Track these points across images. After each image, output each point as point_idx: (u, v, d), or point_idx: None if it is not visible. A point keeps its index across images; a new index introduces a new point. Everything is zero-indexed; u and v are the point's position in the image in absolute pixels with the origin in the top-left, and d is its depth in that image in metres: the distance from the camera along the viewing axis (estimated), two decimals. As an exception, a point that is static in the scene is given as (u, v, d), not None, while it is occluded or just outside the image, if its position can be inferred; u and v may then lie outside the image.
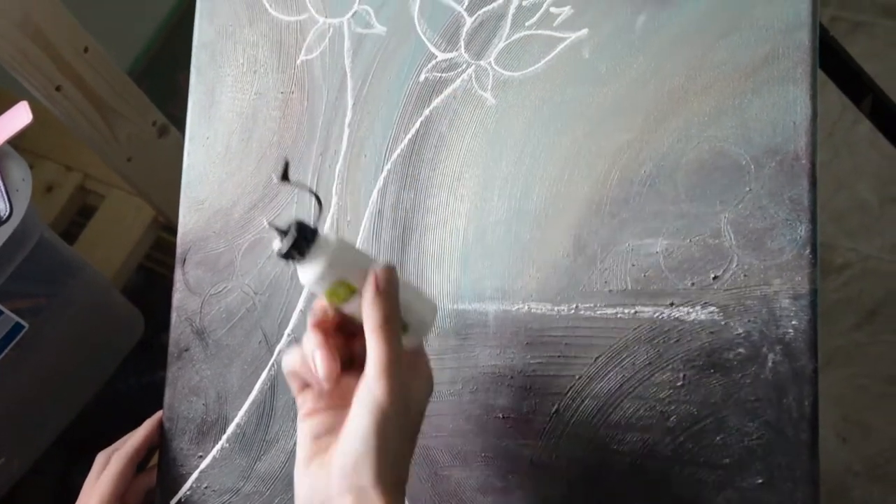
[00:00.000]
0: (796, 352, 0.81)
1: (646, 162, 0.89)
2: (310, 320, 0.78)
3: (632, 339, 0.88)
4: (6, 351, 1.32)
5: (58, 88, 1.40)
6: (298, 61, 1.08)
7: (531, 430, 0.91)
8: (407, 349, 0.78)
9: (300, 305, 1.04)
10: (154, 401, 1.12)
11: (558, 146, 0.93)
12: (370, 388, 0.73)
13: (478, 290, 0.95)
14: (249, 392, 1.05)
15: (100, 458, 1.08)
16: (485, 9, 0.99)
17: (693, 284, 0.86)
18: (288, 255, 0.76)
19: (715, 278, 0.85)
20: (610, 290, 0.89)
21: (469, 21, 0.99)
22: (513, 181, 0.95)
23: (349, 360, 0.79)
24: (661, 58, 0.90)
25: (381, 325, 0.74)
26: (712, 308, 0.85)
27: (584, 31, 0.94)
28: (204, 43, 1.14)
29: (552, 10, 0.96)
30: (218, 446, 1.06)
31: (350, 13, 1.06)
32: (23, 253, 1.27)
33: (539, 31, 0.96)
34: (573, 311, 0.91)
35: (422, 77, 1.01)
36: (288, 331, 1.04)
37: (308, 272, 0.76)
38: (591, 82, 0.93)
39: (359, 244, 1.01)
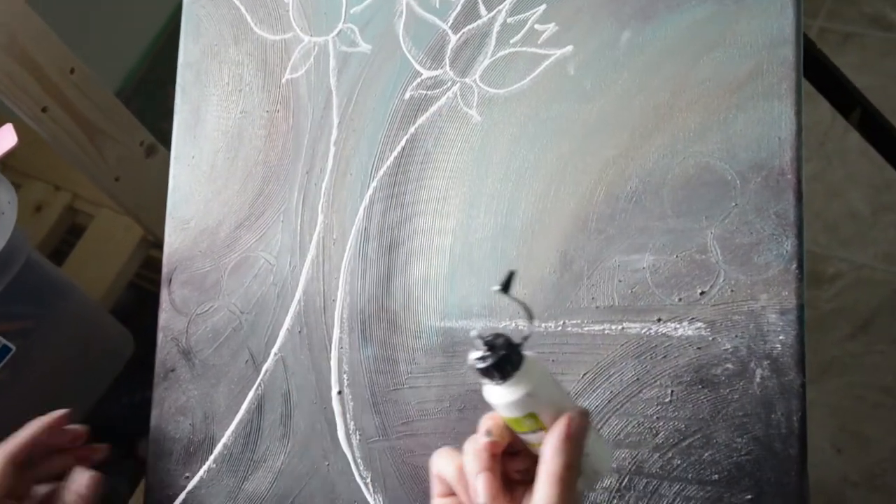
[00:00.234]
0: (784, 367, 0.81)
1: (632, 178, 0.89)
2: (483, 439, 0.72)
3: (619, 356, 0.87)
4: (-6, 374, 1.32)
5: (44, 110, 1.40)
6: (283, 80, 1.08)
7: (519, 449, 0.91)
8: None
9: (287, 324, 1.03)
10: (147, 419, 1.11)
11: (544, 163, 0.93)
12: None
13: (465, 308, 0.95)
14: (236, 412, 1.05)
15: None
16: (469, 26, 0.99)
17: (680, 300, 0.86)
18: (486, 373, 0.70)
19: (702, 294, 0.85)
20: (597, 307, 0.89)
21: (454, 39, 0.99)
22: (499, 198, 0.95)
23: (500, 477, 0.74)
24: (645, 74, 0.90)
25: (560, 473, 0.69)
26: (700, 324, 0.84)
27: (569, 47, 0.94)
28: (189, 62, 1.13)
29: (537, 27, 0.96)
30: (205, 467, 1.05)
31: (335, 32, 1.06)
32: (9, 275, 1.27)
33: (524, 49, 0.96)
34: (560, 327, 0.90)
35: (407, 95, 1.01)
36: (275, 350, 1.04)
37: (500, 394, 0.70)
38: (577, 99, 0.93)
39: (345, 263, 1.01)
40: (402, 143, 1.01)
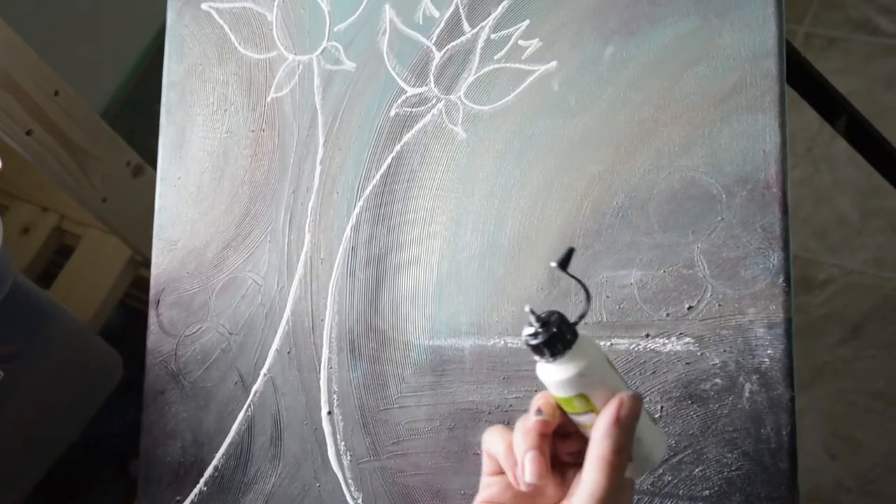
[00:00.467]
0: (773, 381, 0.81)
1: (618, 193, 0.89)
2: (535, 417, 0.71)
3: (609, 372, 0.87)
4: (-19, 399, 1.31)
5: (28, 132, 1.40)
6: (268, 99, 1.08)
7: (510, 467, 0.91)
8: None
9: (276, 345, 1.03)
10: (138, 439, 1.10)
11: (530, 179, 0.93)
12: None
13: (453, 326, 0.95)
14: (226, 434, 1.04)
15: None
16: (453, 43, 0.99)
17: (668, 315, 0.85)
18: (537, 350, 0.68)
19: (689, 309, 0.85)
20: (585, 323, 0.88)
21: (438, 56, 0.99)
22: (485, 215, 0.95)
23: (551, 458, 0.72)
24: (630, 89, 0.90)
25: (608, 457, 0.67)
26: (688, 339, 0.84)
27: (553, 63, 0.94)
28: (173, 82, 1.13)
29: (521, 42, 0.95)
30: (196, 490, 1.05)
31: (319, 50, 1.06)
32: (-4, 300, 1.26)
33: (508, 65, 0.96)
34: (549, 344, 0.90)
35: (392, 112, 1.01)
36: (264, 371, 1.03)
37: (551, 373, 0.69)
38: (562, 114, 0.93)
39: (333, 282, 1.01)
40: (388, 161, 1.00)
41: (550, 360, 0.68)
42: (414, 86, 1.00)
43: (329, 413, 0.99)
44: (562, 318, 0.68)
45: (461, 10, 0.98)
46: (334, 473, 0.98)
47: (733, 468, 0.82)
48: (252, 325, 1.05)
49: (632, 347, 0.86)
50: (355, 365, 0.99)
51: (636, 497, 0.85)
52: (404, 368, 0.96)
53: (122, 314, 1.87)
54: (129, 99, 2.18)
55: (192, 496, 1.05)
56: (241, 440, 1.03)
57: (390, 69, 1.02)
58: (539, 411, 0.71)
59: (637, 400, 0.69)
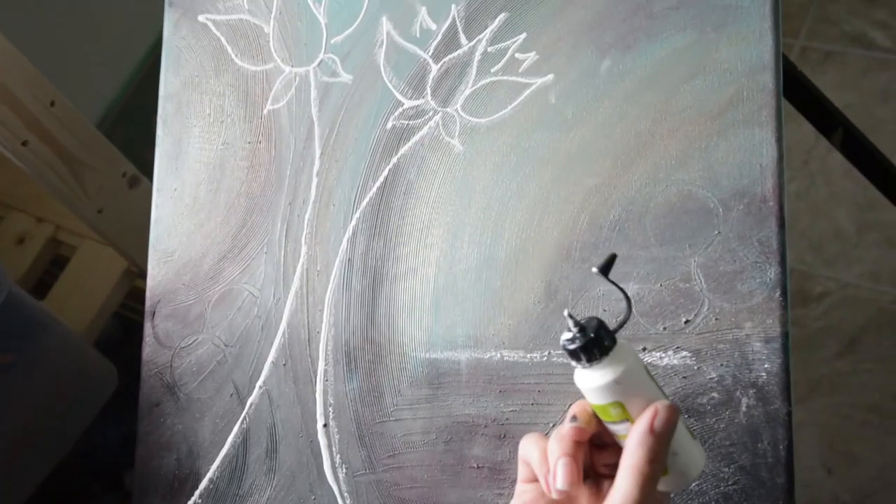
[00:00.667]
0: (769, 395, 0.81)
1: (615, 206, 0.89)
2: (570, 424, 0.70)
3: (605, 386, 0.87)
4: (-24, 410, 1.31)
5: (24, 143, 1.39)
6: (265, 111, 1.08)
7: (506, 480, 0.90)
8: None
9: (271, 357, 1.03)
10: (133, 450, 1.10)
11: (527, 192, 0.93)
12: None
13: (450, 339, 0.94)
14: (222, 446, 1.04)
15: None
16: (450, 56, 0.99)
17: (665, 329, 0.85)
18: (574, 355, 0.68)
19: (686, 322, 0.84)
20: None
21: (435, 68, 0.99)
22: (482, 228, 0.94)
23: (586, 468, 0.72)
24: (626, 102, 0.90)
25: (641, 466, 0.67)
26: (685, 353, 0.84)
27: (550, 76, 0.94)
28: (170, 94, 1.13)
29: (517, 55, 0.96)
30: (191, 502, 1.04)
31: (316, 62, 1.06)
32: (-10, 311, 1.26)
33: (505, 77, 0.96)
34: (546, 357, 0.90)
35: (389, 125, 1.01)
36: (259, 383, 1.03)
37: (588, 379, 0.69)
38: (558, 127, 0.93)
39: (329, 294, 1.01)
40: (385, 173, 1.00)
41: (587, 365, 0.68)
42: (411, 98, 1.00)
43: (325, 426, 0.99)
44: (600, 324, 0.68)
45: (458, 22, 0.99)
46: (330, 486, 0.98)
47: (730, 483, 0.81)
48: (248, 336, 1.05)
49: (628, 361, 0.86)
50: (351, 377, 0.99)
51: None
52: (400, 381, 0.96)
53: (118, 325, 1.87)
54: (126, 110, 2.18)
55: (186, 509, 1.05)
56: (236, 452, 1.03)
57: (387, 81, 1.02)
58: (574, 418, 0.71)
59: (673, 410, 0.68)
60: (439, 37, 1.00)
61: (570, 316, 0.68)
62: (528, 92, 0.95)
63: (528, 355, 0.91)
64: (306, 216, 1.04)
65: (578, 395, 0.87)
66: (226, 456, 1.03)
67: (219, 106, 1.10)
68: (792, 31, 2.16)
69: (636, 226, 0.88)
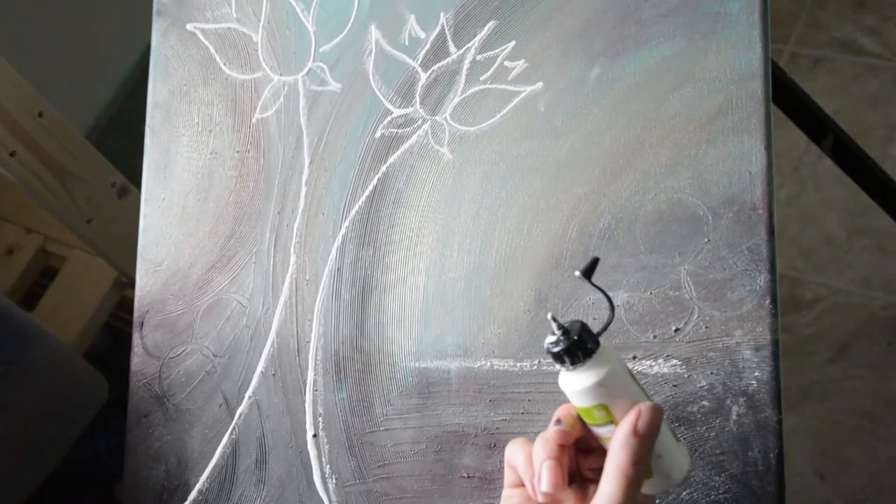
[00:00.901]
0: (760, 403, 0.80)
1: (604, 214, 0.89)
2: (554, 427, 0.70)
3: (595, 395, 0.87)
4: (-35, 422, 1.30)
5: (12, 154, 1.39)
6: (254, 120, 1.07)
7: (496, 489, 0.90)
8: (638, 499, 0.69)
9: (261, 367, 1.02)
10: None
11: (516, 200, 0.93)
12: None
13: (439, 348, 0.94)
14: (211, 457, 1.03)
15: None
16: (439, 64, 0.98)
17: (655, 337, 0.85)
18: (558, 357, 0.69)
19: (676, 331, 0.84)
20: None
21: (424, 76, 0.99)
22: (471, 236, 0.94)
23: (572, 473, 0.72)
24: (616, 110, 0.89)
25: (624, 469, 0.67)
26: (675, 361, 0.84)
27: (539, 84, 0.94)
28: (158, 103, 1.13)
29: (506, 63, 0.95)
30: (180, 514, 1.04)
31: (304, 70, 1.05)
32: (-22, 324, 1.25)
33: (494, 86, 0.96)
34: (536, 366, 0.90)
35: (378, 133, 1.01)
36: (249, 393, 1.02)
37: (572, 381, 0.69)
38: (548, 135, 0.92)
39: (319, 304, 1.00)
40: (374, 181, 1.00)
41: (571, 368, 0.69)
42: (400, 107, 1.00)
43: (314, 436, 0.99)
44: (583, 327, 0.68)
45: (447, 31, 0.98)
46: (320, 497, 0.97)
47: (721, 491, 0.81)
48: (237, 347, 1.04)
49: (619, 369, 0.86)
50: (341, 387, 0.98)
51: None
52: (390, 391, 0.96)
53: (108, 335, 1.86)
54: (115, 119, 2.18)
55: (175, 520, 1.04)
56: (225, 463, 1.03)
57: (376, 90, 1.02)
58: (558, 421, 0.71)
59: (656, 412, 0.68)
60: (428, 45, 1.00)
61: (554, 319, 0.69)
62: (517, 100, 0.95)
63: (519, 364, 0.90)
64: (295, 225, 1.03)
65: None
66: (215, 467, 1.03)
67: (207, 115, 1.10)
68: (781, 37, 2.16)
69: (626, 234, 0.87)
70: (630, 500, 0.67)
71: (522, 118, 0.94)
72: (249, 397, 1.02)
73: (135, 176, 1.55)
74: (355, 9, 1.04)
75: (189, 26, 1.13)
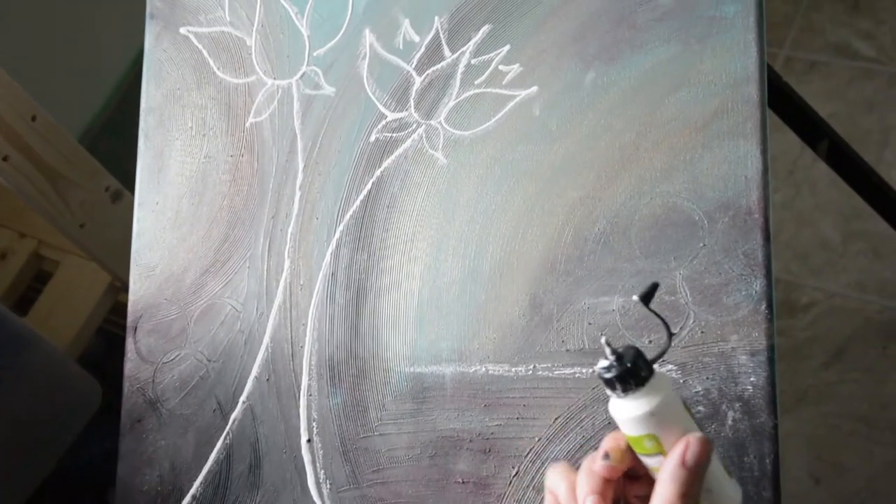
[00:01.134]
0: (755, 409, 0.80)
1: (599, 219, 0.88)
2: (601, 462, 0.68)
3: (591, 399, 0.86)
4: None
5: (5, 158, 1.39)
6: (248, 124, 1.07)
7: (491, 495, 0.90)
8: None
9: (255, 372, 1.02)
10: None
11: (511, 204, 0.93)
12: None
13: (434, 353, 0.94)
14: (205, 462, 1.03)
15: None
16: (434, 68, 0.98)
17: (650, 342, 0.85)
18: (609, 384, 0.66)
19: (672, 336, 0.84)
20: (567, 350, 0.88)
21: (418, 80, 0.99)
22: (466, 241, 0.94)
23: (617, 499, 0.70)
24: (611, 114, 0.89)
25: (672, 500, 0.65)
26: (670, 366, 0.84)
27: (534, 88, 0.93)
28: (151, 107, 1.12)
29: (501, 67, 0.95)
30: (174, 520, 1.04)
31: (298, 74, 1.05)
32: (-29, 330, 1.25)
33: (488, 90, 0.95)
34: (531, 371, 0.89)
35: (372, 137, 1.00)
36: (242, 398, 1.02)
37: (622, 409, 0.67)
38: (543, 140, 0.92)
39: (313, 308, 1.00)
40: (368, 186, 1.00)
41: (622, 395, 0.66)
42: (394, 111, 1.00)
43: (308, 441, 0.98)
44: (638, 353, 0.66)
45: (441, 34, 0.98)
46: (314, 502, 0.97)
47: (717, 497, 0.81)
48: (231, 351, 1.04)
49: (614, 374, 0.86)
50: (335, 392, 0.98)
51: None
52: (384, 395, 0.95)
53: (102, 340, 1.85)
54: (109, 124, 2.17)
55: (169, 526, 1.04)
56: (219, 468, 1.02)
57: (370, 94, 1.01)
58: (606, 455, 0.68)
59: (705, 443, 0.66)
60: (423, 49, 0.99)
61: (608, 344, 0.66)
62: (511, 104, 0.94)
63: (514, 369, 0.90)
64: (289, 230, 1.03)
65: (563, 409, 0.87)
66: (209, 472, 1.03)
67: (201, 119, 1.10)
68: (777, 40, 2.16)
69: (621, 238, 0.87)
70: None
71: (517, 122, 0.94)
72: (243, 402, 1.02)
73: (128, 180, 1.54)
74: (349, 12, 1.03)
75: (182, 30, 1.12)
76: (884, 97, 2.02)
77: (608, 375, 0.66)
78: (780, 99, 1.24)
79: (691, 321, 0.83)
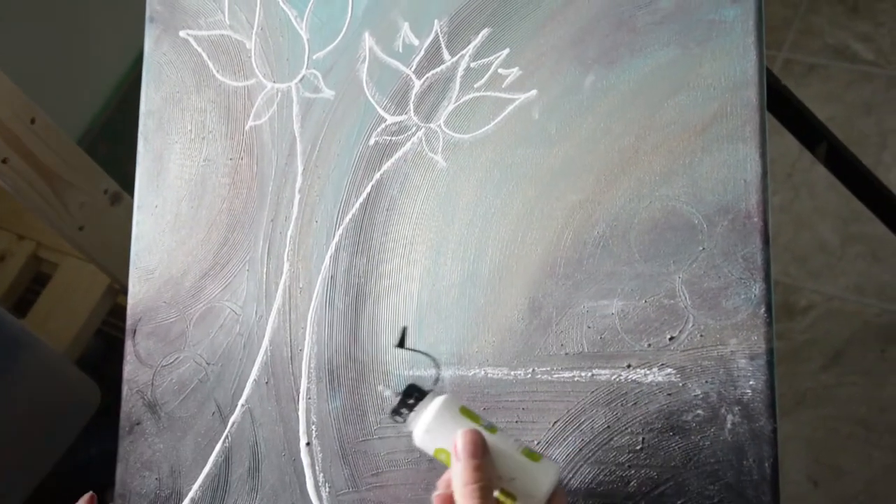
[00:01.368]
0: (755, 412, 0.80)
1: (598, 222, 0.88)
2: (434, 494, 0.77)
3: (589, 403, 0.86)
4: (-44, 429, 1.29)
5: (4, 161, 1.38)
6: (247, 127, 1.07)
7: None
8: None
9: (254, 375, 1.02)
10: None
11: (510, 208, 0.93)
12: None
13: (433, 356, 0.94)
14: (203, 465, 1.03)
15: None
16: (433, 71, 0.98)
17: (650, 346, 0.85)
18: (394, 414, 0.76)
19: (671, 339, 0.84)
20: (566, 353, 0.88)
21: (417, 84, 0.99)
22: (465, 244, 0.94)
23: None
24: (610, 118, 0.89)
25: (460, 492, 0.72)
26: (669, 370, 0.84)
27: (533, 91, 0.93)
28: (150, 110, 1.12)
29: (500, 71, 0.95)
30: (173, 523, 1.03)
31: (298, 77, 1.05)
32: (-31, 332, 1.25)
33: (488, 93, 0.95)
34: (530, 375, 0.89)
35: (372, 141, 1.00)
36: (242, 401, 1.02)
37: (414, 435, 0.76)
38: (542, 143, 0.92)
39: (312, 311, 1.00)
40: (368, 189, 1.00)
41: (402, 422, 0.75)
42: (394, 114, 1.00)
43: (308, 444, 0.98)
44: (411, 386, 0.75)
45: (441, 38, 0.98)
46: (313, 506, 0.97)
47: (715, 500, 0.81)
48: (230, 355, 1.04)
49: (613, 378, 0.86)
50: (334, 395, 0.98)
51: (618, 530, 0.84)
52: (384, 399, 0.95)
53: (101, 342, 1.85)
54: (108, 126, 2.17)
55: (168, 529, 1.03)
56: (218, 472, 1.02)
57: (370, 97, 1.01)
58: (437, 486, 0.77)
59: (469, 433, 0.73)
60: (422, 52, 0.99)
61: (387, 386, 0.79)
62: (511, 108, 0.94)
63: (513, 372, 0.90)
64: (289, 233, 1.03)
65: (561, 413, 0.87)
66: (207, 475, 1.02)
67: (200, 122, 1.10)
68: (775, 43, 2.16)
69: (620, 242, 0.87)
70: None
71: (516, 126, 0.94)
72: (242, 405, 1.02)
73: (127, 183, 1.54)
74: (349, 16, 1.03)
75: (182, 33, 1.12)
76: (882, 100, 2.02)
77: (390, 412, 0.76)
78: (778, 102, 1.24)
79: (690, 325, 0.83)
